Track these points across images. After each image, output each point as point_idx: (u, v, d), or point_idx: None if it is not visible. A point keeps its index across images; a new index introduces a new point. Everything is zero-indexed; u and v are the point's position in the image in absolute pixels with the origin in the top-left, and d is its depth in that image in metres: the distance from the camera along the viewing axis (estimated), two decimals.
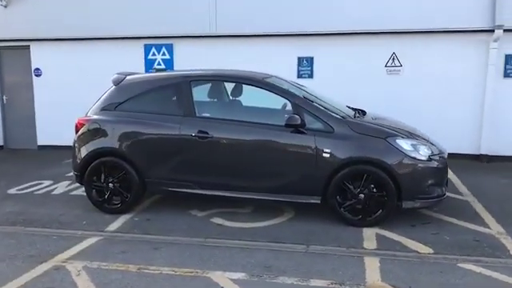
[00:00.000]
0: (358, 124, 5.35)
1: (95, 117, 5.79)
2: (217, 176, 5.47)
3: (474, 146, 8.59)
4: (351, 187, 5.16)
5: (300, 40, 8.94)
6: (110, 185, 5.69)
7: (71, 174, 7.79)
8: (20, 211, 6.00)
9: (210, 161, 5.46)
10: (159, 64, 9.53)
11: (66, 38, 9.77)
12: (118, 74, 6.02)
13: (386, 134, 5.23)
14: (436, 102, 8.58)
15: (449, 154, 5.62)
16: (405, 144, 5.16)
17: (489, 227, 5.23)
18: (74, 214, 5.85)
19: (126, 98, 5.74)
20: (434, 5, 8.30)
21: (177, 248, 4.76)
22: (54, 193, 6.82)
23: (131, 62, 9.45)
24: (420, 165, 5.14)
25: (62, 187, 7.10)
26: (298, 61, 9.06)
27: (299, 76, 8.95)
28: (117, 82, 5.87)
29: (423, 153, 5.18)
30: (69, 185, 7.22)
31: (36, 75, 10.18)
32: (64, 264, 4.36)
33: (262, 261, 4.42)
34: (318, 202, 5.29)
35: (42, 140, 10.34)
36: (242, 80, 5.74)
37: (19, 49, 10.14)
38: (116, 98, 5.80)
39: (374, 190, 5.15)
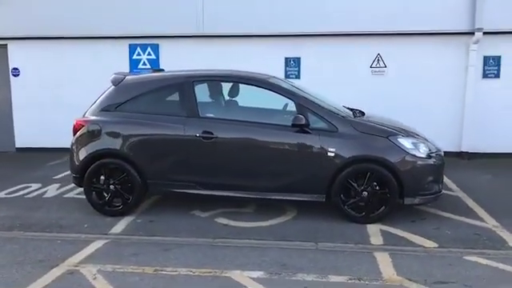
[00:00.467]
0: (360, 123, 5.49)
1: (95, 118, 5.68)
2: (221, 176, 5.48)
3: (456, 144, 8.92)
4: (355, 185, 5.28)
5: (287, 41, 9.04)
6: (111, 187, 5.60)
7: (59, 176, 7.76)
8: (14, 215, 5.82)
9: (214, 161, 5.47)
10: (144, 64, 9.45)
11: (46, 36, 9.49)
12: (116, 73, 5.92)
13: (387, 132, 5.38)
14: (419, 101, 8.84)
15: None
16: (406, 142, 5.33)
17: (484, 221, 5.47)
18: (73, 217, 5.73)
19: (127, 98, 5.66)
20: (418, 8, 8.57)
21: (188, 249, 4.74)
22: (45, 196, 6.65)
23: (115, 62, 9.31)
24: (420, 162, 5.32)
25: (52, 190, 6.92)
26: (286, 61, 9.16)
27: (286, 76, 9.02)
28: (116, 82, 5.77)
29: (423, 150, 5.37)
30: (59, 187, 7.05)
31: (14, 75, 9.84)
32: (77, 268, 4.28)
33: (276, 259, 4.47)
34: (323, 200, 5.40)
35: (20, 142, 10.00)
36: (245, 80, 5.76)
37: None
38: (116, 99, 5.71)
39: (377, 187, 5.29)
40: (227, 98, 6.13)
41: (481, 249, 4.69)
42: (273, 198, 5.48)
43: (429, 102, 8.84)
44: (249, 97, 5.90)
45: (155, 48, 9.36)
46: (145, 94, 5.69)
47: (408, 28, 8.64)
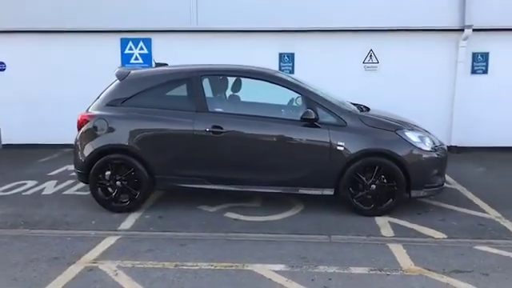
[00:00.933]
0: (368, 117, 5.57)
1: (101, 113, 5.58)
2: (231, 171, 5.48)
3: (445, 138, 9.08)
4: (363, 178, 5.37)
5: (281, 36, 9.08)
6: (118, 182, 5.53)
7: (54, 173, 7.61)
8: (16, 213, 5.67)
9: (223, 156, 5.46)
10: (136, 59, 9.32)
11: (35, 29, 9.25)
12: (120, 68, 5.83)
13: (395, 126, 5.49)
14: (410, 96, 9.02)
15: None
16: (413, 136, 5.45)
17: (486, 212, 5.65)
18: (77, 213, 5.63)
19: (133, 93, 5.58)
20: (410, 5, 8.75)
21: (203, 243, 4.73)
22: (44, 193, 6.49)
23: (106, 57, 9.22)
24: (426, 155, 5.45)
25: (50, 187, 6.77)
26: (280, 57, 9.20)
27: None
28: (122, 77, 5.68)
29: (428, 144, 5.50)
30: (57, 184, 6.90)
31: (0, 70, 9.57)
32: (95, 265, 4.21)
33: (294, 252, 4.51)
34: (331, 193, 5.46)
35: (6, 139, 9.72)
36: (254, 75, 5.75)
37: None
38: (122, 93, 5.62)
39: (385, 180, 5.39)
40: (235, 92, 6.11)
41: (488, 239, 4.85)
42: (282, 192, 5.52)
43: (420, 97, 9.03)
44: (256, 91, 5.89)
45: (148, 42, 9.25)
46: (152, 89, 5.62)
47: (400, 24, 8.79)
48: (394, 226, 5.21)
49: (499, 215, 5.53)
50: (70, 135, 9.01)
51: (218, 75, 5.96)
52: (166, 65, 6.25)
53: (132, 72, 5.76)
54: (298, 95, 5.64)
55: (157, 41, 9.27)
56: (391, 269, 4.14)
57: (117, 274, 4.02)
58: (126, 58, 9.29)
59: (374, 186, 5.37)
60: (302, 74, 9.03)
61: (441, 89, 9.06)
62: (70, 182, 7.02)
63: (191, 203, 5.90)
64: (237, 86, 6.05)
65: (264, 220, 5.43)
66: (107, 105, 5.63)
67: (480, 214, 5.61)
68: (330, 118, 5.41)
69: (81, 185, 6.73)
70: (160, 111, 5.52)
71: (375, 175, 5.35)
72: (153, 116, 5.50)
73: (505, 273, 4.06)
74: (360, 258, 4.39)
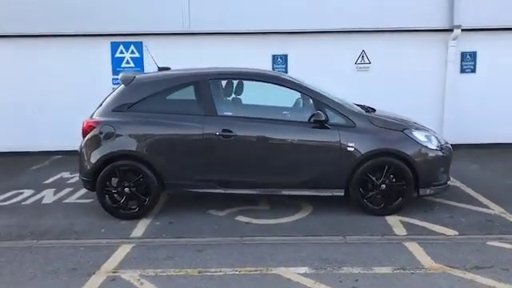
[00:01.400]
0: (376, 118, 5.64)
1: (107, 119, 5.46)
2: (241, 174, 5.46)
3: None
4: (373, 178, 5.42)
5: (274, 38, 9.10)
6: (126, 189, 5.42)
7: (49, 181, 7.44)
8: (20, 224, 5.50)
9: (234, 160, 5.44)
10: (128, 62, 9.18)
11: (21, 34, 9.00)
12: (124, 73, 5.73)
13: (402, 126, 5.57)
14: (401, 95, 9.15)
15: None
16: (420, 135, 5.54)
17: (490, 208, 5.79)
18: (84, 222, 5.50)
19: (140, 98, 5.49)
20: (400, 5, 8.89)
21: (220, 248, 4.69)
22: (44, 202, 6.32)
23: (96, 61, 9.07)
24: (433, 154, 5.55)
25: (49, 196, 6.58)
26: (273, 58, 9.23)
27: None
28: (127, 82, 5.58)
29: (434, 143, 5.61)
30: (55, 193, 6.72)
31: None
32: (117, 274, 4.12)
33: (313, 254, 4.52)
34: (342, 194, 5.50)
35: None
36: (261, 77, 5.75)
37: None
38: (128, 99, 5.52)
39: (394, 179, 5.46)
40: (244, 95, 6.07)
41: (498, 234, 4.97)
42: (293, 194, 5.53)
43: (411, 96, 9.18)
44: (264, 94, 5.88)
45: (139, 46, 9.11)
46: (159, 93, 5.54)
47: (391, 25, 8.94)
48: (405, 224, 5.28)
49: (503, 211, 5.67)
50: (60, 142, 8.92)
51: (226, 78, 5.91)
52: (168, 69, 6.17)
53: (137, 77, 5.67)
54: (306, 97, 5.66)
55: (148, 44, 9.03)
56: (414, 267, 4.20)
57: (142, 284, 3.94)
58: (116, 62, 9.14)
59: (383, 186, 5.43)
60: (295, 75, 9.07)
61: (432, 88, 9.25)
62: (68, 190, 6.85)
63: (200, 208, 5.84)
64: (245, 89, 6.01)
65: (275, 223, 5.42)
66: (113, 110, 5.51)
67: (485, 210, 5.74)
68: (339, 120, 5.45)
69: (80, 193, 6.61)
70: (168, 116, 5.45)
71: (385, 175, 5.42)
72: (161, 121, 5.43)
73: None
74: (380, 257, 4.43)
